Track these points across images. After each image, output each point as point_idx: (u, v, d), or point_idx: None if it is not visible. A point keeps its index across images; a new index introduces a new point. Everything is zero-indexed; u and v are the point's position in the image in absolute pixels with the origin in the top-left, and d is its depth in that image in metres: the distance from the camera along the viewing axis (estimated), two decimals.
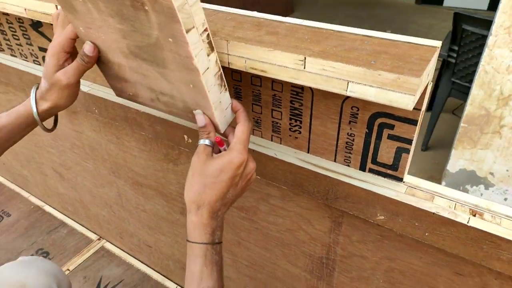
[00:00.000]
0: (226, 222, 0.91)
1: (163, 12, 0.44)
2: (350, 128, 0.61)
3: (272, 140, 0.72)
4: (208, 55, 0.50)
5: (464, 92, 2.10)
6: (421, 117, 0.54)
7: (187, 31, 0.45)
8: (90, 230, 1.46)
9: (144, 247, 1.27)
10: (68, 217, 1.51)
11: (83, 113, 1.01)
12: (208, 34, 0.48)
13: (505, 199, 1.83)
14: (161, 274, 1.30)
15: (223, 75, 0.54)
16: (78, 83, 0.60)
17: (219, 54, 0.55)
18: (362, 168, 0.64)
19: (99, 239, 1.43)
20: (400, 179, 0.61)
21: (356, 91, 0.46)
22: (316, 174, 0.64)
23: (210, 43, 0.49)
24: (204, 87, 0.50)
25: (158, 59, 0.52)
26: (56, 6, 0.69)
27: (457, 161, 1.85)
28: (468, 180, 1.87)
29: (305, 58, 0.48)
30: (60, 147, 1.21)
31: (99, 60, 0.61)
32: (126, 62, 0.57)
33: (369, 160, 0.62)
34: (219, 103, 0.55)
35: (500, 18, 1.46)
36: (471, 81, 1.67)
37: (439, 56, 1.91)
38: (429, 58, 0.45)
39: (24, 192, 1.64)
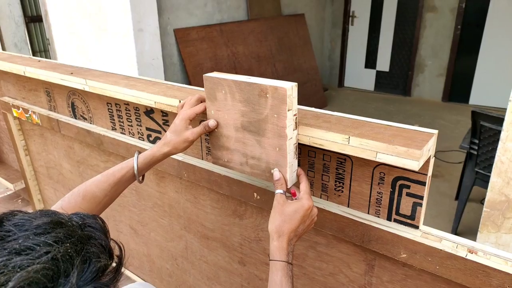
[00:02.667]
0: None
1: (278, 98, 0.77)
2: (379, 188, 0.86)
3: (321, 197, 0.97)
4: (293, 130, 0.80)
5: (487, 181, 2.29)
6: (428, 180, 0.79)
7: (288, 110, 0.77)
8: (151, 284, 1.67)
9: None
10: (132, 272, 1.74)
11: (170, 177, 1.32)
12: (296, 118, 0.81)
13: None
14: None
15: (297, 147, 0.84)
16: (194, 141, 0.91)
17: None
18: (389, 218, 0.87)
19: None
20: (416, 227, 0.84)
21: (382, 158, 0.73)
22: (354, 221, 0.88)
23: (296, 123, 0.81)
24: (286, 150, 0.80)
25: (260, 130, 0.83)
26: (180, 100, 1.03)
27: (483, 244, 1.98)
28: None
29: (349, 137, 0.76)
30: (141, 206, 1.51)
31: (213, 134, 0.93)
32: (234, 134, 0.89)
33: (393, 212, 0.86)
34: (291, 165, 0.83)
35: (509, 116, 1.73)
36: None
37: (462, 148, 2.17)
38: (428, 139, 0.72)
39: None
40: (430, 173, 0.79)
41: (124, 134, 1.41)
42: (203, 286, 1.42)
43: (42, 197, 2.14)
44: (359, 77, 6.21)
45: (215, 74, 0.87)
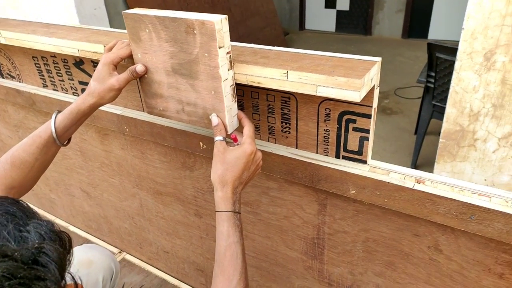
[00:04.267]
0: None
1: (206, 34, 0.68)
2: (326, 125, 0.81)
3: (268, 141, 0.92)
4: (228, 70, 0.73)
5: (444, 113, 2.33)
6: (373, 112, 0.74)
7: (219, 47, 0.69)
8: (112, 245, 1.63)
9: (162, 254, 1.44)
10: (91, 234, 1.68)
11: (113, 134, 1.23)
12: (230, 56, 0.72)
13: None
14: (177, 279, 1.46)
15: (235, 89, 0.76)
16: (122, 89, 0.81)
17: None
18: (337, 156, 0.84)
19: (120, 252, 1.60)
20: (365, 162, 0.81)
21: (323, 91, 0.68)
22: (302, 162, 0.84)
23: (230, 62, 0.73)
24: (222, 92, 0.73)
25: (192, 73, 0.75)
26: (104, 45, 0.92)
27: (440, 174, 2.04)
28: None
29: (287, 71, 0.70)
30: (89, 167, 1.42)
31: (143, 81, 0.84)
32: (166, 79, 0.80)
33: (341, 149, 0.82)
34: (230, 109, 0.77)
35: (462, 45, 1.71)
36: None
37: (419, 82, 2.17)
38: (370, 67, 0.67)
39: (50, 215, 1.82)
40: (375, 104, 0.74)
41: (57, 90, 1.28)
42: (163, 242, 1.39)
43: None
44: (320, 18, 6.06)
45: (136, 10, 0.76)
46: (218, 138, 0.76)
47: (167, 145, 1.08)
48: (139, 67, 0.81)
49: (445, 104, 2.37)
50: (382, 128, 3.20)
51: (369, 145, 0.79)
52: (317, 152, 0.86)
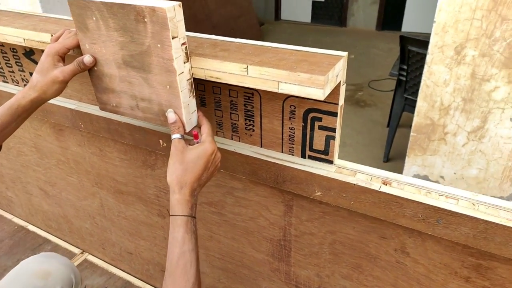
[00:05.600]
0: (199, 219, 1.05)
1: (157, 22, 0.61)
2: (291, 123, 0.77)
3: (232, 139, 0.87)
4: (184, 63, 0.67)
5: (415, 107, 2.34)
6: (340, 110, 0.70)
7: (173, 38, 0.62)
8: (73, 245, 1.55)
9: (125, 255, 1.38)
10: (52, 234, 1.60)
11: (69, 129, 1.15)
12: (186, 47, 0.66)
13: None
14: (142, 280, 1.40)
15: (193, 84, 0.70)
16: (67, 82, 0.74)
17: None
18: (303, 155, 0.79)
19: (82, 253, 1.52)
20: (331, 162, 0.77)
21: (285, 88, 0.63)
22: (267, 162, 0.80)
23: (186, 54, 0.67)
24: (178, 87, 0.67)
25: (145, 65, 0.69)
26: (52, 35, 0.84)
27: (410, 167, 2.05)
28: None
29: (247, 66, 0.64)
30: (46, 164, 1.33)
31: (93, 74, 0.76)
32: (117, 73, 0.73)
33: (307, 148, 0.78)
34: (187, 105, 0.71)
35: (434, 39, 1.70)
36: None
37: (392, 75, 2.14)
38: (335, 63, 0.62)
39: (8, 214, 1.72)
40: (341, 102, 0.70)
41: (7, 82, 1.18)
42: (126, 243, 1.33)
43: None
44: (296, 8, 6.00)
45: None
46: (175, 136, 0.70)
47: (126, 143, 1.01)
48: (86, 58, 0.74)
49: (416, 97, 2.38)
50: (356, 121, 3.21)
51: (336, 144, 0.75)
52: (282, 151, 0.82)
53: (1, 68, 1.16)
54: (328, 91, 0.62)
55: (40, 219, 1.58)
